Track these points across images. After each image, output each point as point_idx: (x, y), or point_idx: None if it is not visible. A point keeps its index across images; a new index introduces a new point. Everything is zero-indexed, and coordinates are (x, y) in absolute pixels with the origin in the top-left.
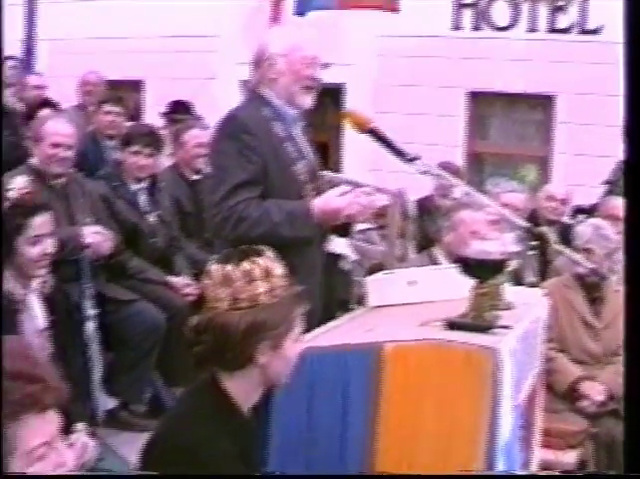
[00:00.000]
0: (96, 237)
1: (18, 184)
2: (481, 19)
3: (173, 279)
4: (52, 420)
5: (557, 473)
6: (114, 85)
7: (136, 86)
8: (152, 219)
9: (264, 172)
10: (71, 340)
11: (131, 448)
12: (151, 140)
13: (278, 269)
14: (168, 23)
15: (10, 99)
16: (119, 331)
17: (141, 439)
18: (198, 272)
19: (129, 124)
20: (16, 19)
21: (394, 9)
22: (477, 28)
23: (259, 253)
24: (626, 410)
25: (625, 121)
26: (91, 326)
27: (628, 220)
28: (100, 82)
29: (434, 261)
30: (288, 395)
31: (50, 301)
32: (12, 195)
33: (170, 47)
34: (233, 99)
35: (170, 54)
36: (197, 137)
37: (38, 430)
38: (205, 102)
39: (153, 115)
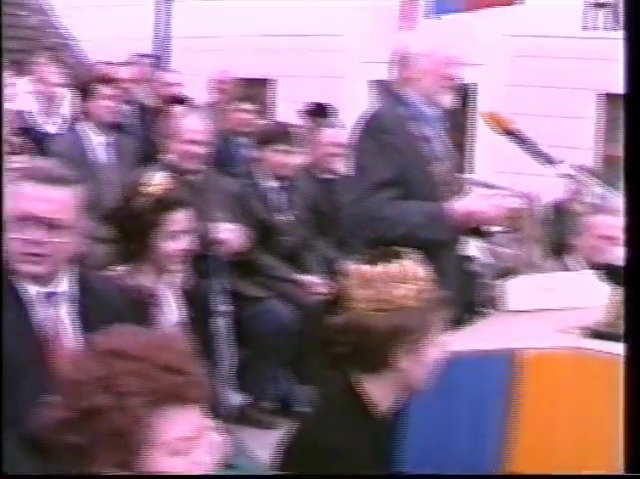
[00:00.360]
0: (229, 233)
1: (157, 179)
2: (614, 19)
3: (304, 278)
4: (194, 417)
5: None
6: (243, 83)
7: (263, 84)
8: (284, 217)
9: (403, 171)
10: (203, 335)
11: (259, 445)
12: (291, 138)
13: (421, 272)
14: (297, 21)
15: (144, 95)
16: (249, 328)
17: (267, 436)
18: (330, 271)
19: (262, 122)
20: (148, 17)
21: (510, 3)
22: (609, 28)
23: (402, 255)
24: (626, 410)
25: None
26: (221, 322)
27: (628, 219)
28: (232, 80)
29: (568, 267)
30: (425, 398)
31: (185, 296)
32: (151, 190)
33: (299, 46)
34: (362, 98)
35: (299, 53)
36: (333, 136)
37: (177, 424)
38: (334, 101)
39: (282, 113)
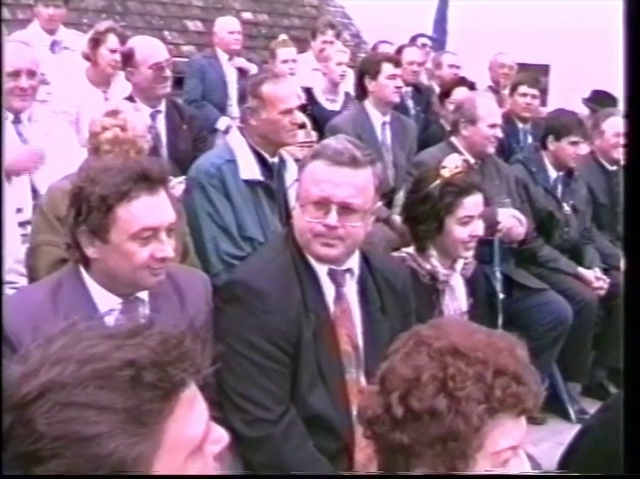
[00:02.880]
0: (511, 220)
1: (451, 162)
2: None
3: (584, 272)
4: (523, 425)
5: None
6: (522, 68)
7: (543, 70)
8: (566, 207)
9: None
10: (481, 324)
11: (529, 441)
12: (585, 129)
13: None
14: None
15: (421, 77)
16: (524, 318)
17: (536, 432)
18: (607, 267)
19: (547, 110)
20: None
21: None
22: None
23: None
24: (626, 410)
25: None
26: (499, 310)
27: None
28: (513, 64)
29: None
30: None
31: (470, 284)
32: (446, 173)
33: (573, 31)
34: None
35: (573, 38)
36: (617, 126)
37: (510, 433)
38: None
39: (555, 100)
